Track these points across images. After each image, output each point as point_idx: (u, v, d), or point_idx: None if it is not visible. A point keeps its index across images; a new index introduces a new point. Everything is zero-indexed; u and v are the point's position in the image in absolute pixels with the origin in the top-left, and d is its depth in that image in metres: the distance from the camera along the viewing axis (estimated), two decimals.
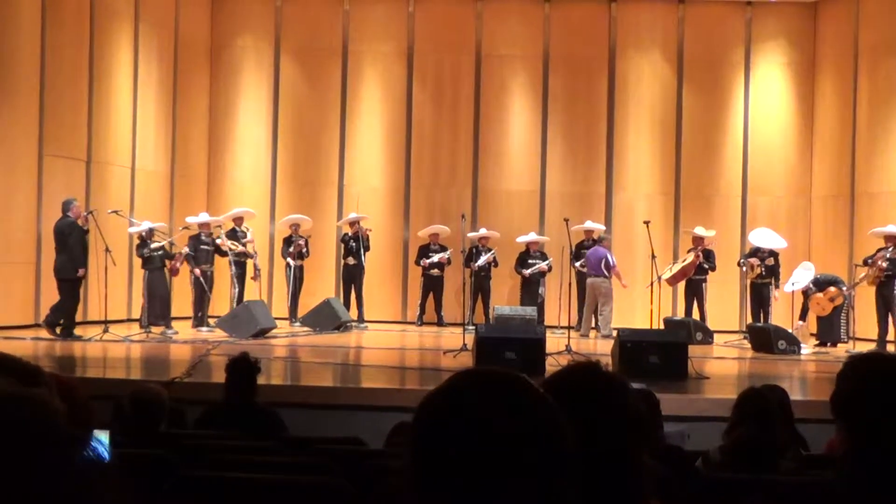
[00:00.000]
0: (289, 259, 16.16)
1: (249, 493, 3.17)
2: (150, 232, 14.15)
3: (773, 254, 15.41)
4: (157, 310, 14.10)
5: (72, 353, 11.78)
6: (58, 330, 12.81)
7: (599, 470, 2.05)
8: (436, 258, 16.78)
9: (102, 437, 3.73)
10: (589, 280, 15.81)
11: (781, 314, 15.26)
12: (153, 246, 14.00)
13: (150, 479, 3.52)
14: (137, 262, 15.02)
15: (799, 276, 14.84)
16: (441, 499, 1.39)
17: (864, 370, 2.11)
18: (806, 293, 14.81)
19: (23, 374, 1.53)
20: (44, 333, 12.93)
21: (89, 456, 3.59)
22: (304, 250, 16.20)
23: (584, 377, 2.18)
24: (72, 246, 12.86)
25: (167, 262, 14.29)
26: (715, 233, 16.19)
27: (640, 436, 2.16)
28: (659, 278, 14.94)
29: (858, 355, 2.26)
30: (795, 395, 6.24)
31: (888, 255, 13.96)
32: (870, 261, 14.15)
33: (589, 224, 16.57)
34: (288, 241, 16.33)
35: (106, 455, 3.74)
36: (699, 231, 15.98)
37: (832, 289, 14.56)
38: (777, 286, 15.33)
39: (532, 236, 16.81)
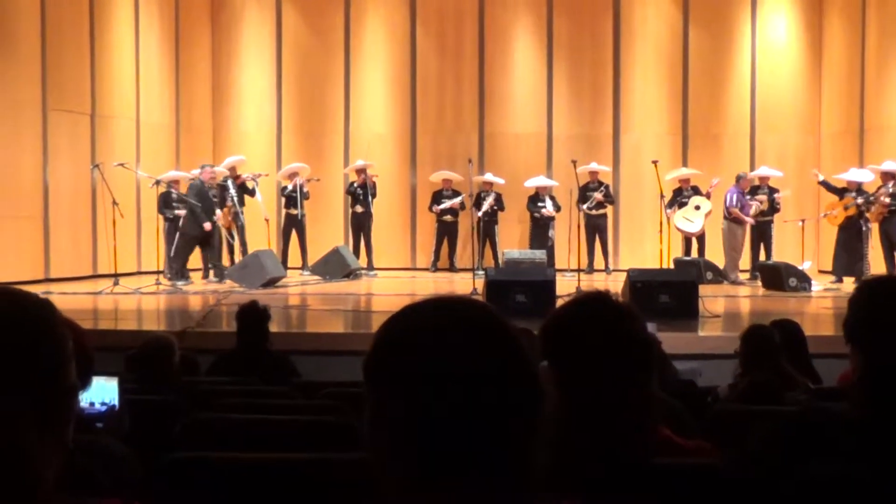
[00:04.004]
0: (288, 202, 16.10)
1: (259, 434, 3.17)
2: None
3: (775, 191, 15.39)
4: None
5: (84, 307, 11.78)
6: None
7: (608, 397, 2.04)
8: (447, 204, 16.71)
9: (111, 385, 3.74)
10: None
11: (790, 252, 15.18)
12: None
13: (162, 425, 3.52)
14: (146, 215, 15.09)
15: (852, 174, 14.62)
16: (388, 428, 1.29)
17: (877, 293, 2.08)
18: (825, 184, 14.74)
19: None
20: (53, 288, 12.95)
21: (95, 406, 3.57)
22: (304, 191, 16.03)
23: (594, 307, 2.16)
24: (191, 205, 14.16)
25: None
26: (693, 172, 16.03)
27: (651, 364, 2.14)
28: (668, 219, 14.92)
29: (870, 279, 2.23)
30: (807, 332, 6.19)
31: (890, 191, 13.90)
32: (872, 198, 14.08)
33: (594, 165, 16.49)
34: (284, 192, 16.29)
35: (115, 402, 3.75)
36: (684, 172, 15.98)
37: (848, 196, 14.35)
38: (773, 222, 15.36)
39: (541, 180, 16.73)
